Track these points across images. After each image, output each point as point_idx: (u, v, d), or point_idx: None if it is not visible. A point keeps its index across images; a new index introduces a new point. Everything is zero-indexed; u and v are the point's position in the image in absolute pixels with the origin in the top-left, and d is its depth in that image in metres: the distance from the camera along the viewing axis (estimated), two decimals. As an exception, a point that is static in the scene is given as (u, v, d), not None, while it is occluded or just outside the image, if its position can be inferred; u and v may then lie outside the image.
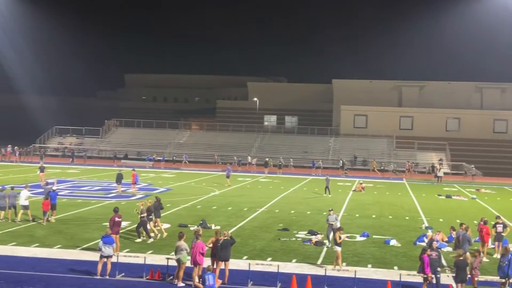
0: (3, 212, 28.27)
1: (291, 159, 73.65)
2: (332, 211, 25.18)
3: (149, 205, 25.85)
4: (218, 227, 27.20)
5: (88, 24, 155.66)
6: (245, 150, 79.40)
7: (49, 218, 28.29)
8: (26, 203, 28.42)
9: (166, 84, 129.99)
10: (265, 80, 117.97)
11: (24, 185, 31.19)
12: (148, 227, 24.94)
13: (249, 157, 71.92)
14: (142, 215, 24.61)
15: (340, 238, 20.65)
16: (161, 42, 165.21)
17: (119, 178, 41.08)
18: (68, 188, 42.32)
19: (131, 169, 46.06)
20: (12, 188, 29.95)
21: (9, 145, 71.91)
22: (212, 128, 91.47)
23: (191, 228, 26.79)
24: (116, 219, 22.04)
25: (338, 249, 20.64)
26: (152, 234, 24.91)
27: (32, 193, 32.63)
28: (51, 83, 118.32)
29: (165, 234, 25.48)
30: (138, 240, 24.46)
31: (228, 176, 49.34)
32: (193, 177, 56.22)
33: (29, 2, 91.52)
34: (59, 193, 35.10)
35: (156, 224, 25.60)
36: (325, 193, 44.18)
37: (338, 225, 25.13)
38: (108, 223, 22.75)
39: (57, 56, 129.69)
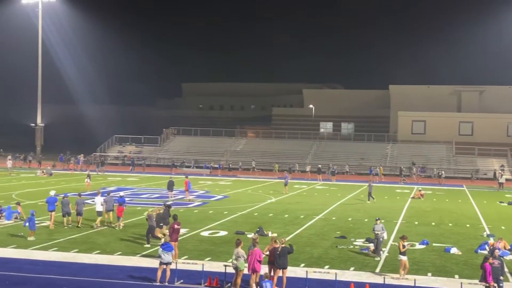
0: (65, 218, 29.04)
1: (347, 166, 72.98)
2: (379, 220, 24.61)
3: (159, 212, 26.28)
4: (275, 235, 27.12)
5: (147, 34, 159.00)
6: (301, 157, 79.17)
7: (120, 224, 29.18)
8: (101, 208, 29.30)
9: (222, 92, 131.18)
10: (321, 87, 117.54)
11: (96, 192, 32.02)
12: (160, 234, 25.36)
13: (297, 165, 71.68)
14: (150, 221, 25.29)
15: (404, 247, 20.25)
16: (217, 52, 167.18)
17: (170, 186, 41.69)
18: (128, 196, 43.02)
19: (184, 176, 46.54)
20: (80, 195, 30.78)
21: (82, 154, 73.87)
22: (268, 136, 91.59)
23: (248, 236, 26.83)
24: (175, 226, 22.27)
25: (403, 258, 20.21)
26: (162, 240, 25.24)
27: (91, 201, 33.37)
28: (111, 93, 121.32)
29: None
30: (147, 245, 24.71)
31: (286, 184, 49.25)
32: (249, 184, 56.38)
33: (89, 14, 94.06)
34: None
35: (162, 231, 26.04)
36: (369, 199, 43.70)
37: (385, 235, 24.71)
38: (167, 230, 23.00)
39: (116, 67, 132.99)
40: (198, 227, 29.82)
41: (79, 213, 29.15)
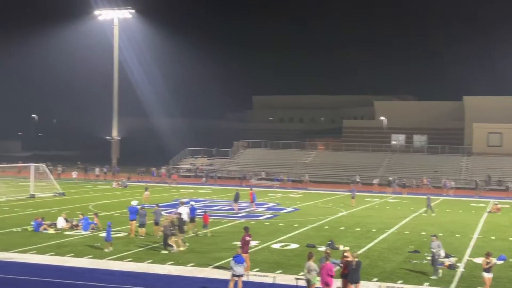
0: (143, 229, 29.74)
1: (414, 180, 71.16)
2: (435, 237, 23.65)
3: (172, 220, 27.02)
4: (347, 248, 26.85)
5: (218, 49, 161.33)
6: (372, 170, 78.08)
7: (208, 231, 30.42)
8: (186, 218, 30.20)
9: (292, 105, 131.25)
10: (392, 98, 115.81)
11: (178, 201, 32.78)
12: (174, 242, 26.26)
13: (357, 176, 70.66)
14: (165, 230, 26.17)
15: (487, 263, 19.54)
16: (287, 64, 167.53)
17: (236, 198, 42.03)
18: (200, 208, 43.60)
19: (249, 188, 46.71)
20: (157, 205, 31.51)
21: (163, 167, 75.41)
22: (338, 148, 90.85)
23: (319, 249, 26.68)
24: (246, 238, 22.36)
25: (486, 275, 19.53)
26: (174, 248, 26.03)
27: (166, 212, 34.00)
28: (183, 107, 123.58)
29: (181, 248, 26.33)
30: (164, 251, 25.68)
31: (353, 197, 48.64)
32: (320, 197, 56.03)
33: (162, 29, 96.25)
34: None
35: (181, 239, 26.89)
36: (427, 212, 42.67)
37: (442, 252, 23.88)
38: (239, 243, 23.16)
39: (188, 81, 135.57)
40: (269, 239, 29.86)
41: (156, 223, 29.91)
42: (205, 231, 30.85)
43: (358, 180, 70.24)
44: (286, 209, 44.92)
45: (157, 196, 50.76)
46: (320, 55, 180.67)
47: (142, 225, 29.78)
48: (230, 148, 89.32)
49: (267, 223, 36.37)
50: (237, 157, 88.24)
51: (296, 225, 35.54)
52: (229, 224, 35.59)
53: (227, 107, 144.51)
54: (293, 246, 28.15)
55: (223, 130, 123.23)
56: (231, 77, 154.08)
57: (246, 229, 23.07)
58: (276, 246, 28.25)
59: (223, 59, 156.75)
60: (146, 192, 46.63)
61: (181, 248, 26.38)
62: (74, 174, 68.42)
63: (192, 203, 33.11)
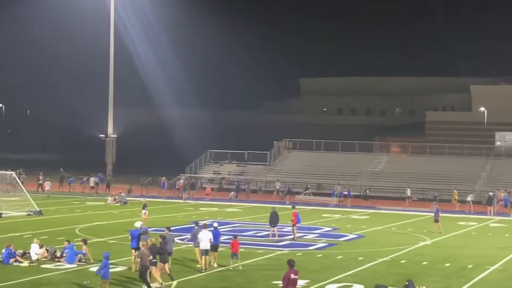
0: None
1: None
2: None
3: (153, 246, 27.48)
4: (432, 291, 26.72)
5: (250, 14, 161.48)
6: (468, 182, 77.36)
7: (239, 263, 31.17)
8: (208, 246, 30.81)
9: (355, 90, 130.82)
10: (495, 82, 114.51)
11: (196, 224, 33.21)
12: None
13: (455, 191, 70.16)
14: (143, 260, 26.38)
15: None
16: (346, 36, 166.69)
17: (273, 219, 41.60)
18: (227, 233, 43.76)
19: (291, 206, 46.72)
20: (168, 228, 31.70)
21: (182, 175, 76.04)
22: (419, 151, 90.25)
23: (393, 292, 26.66)
24: (292, 276, 22.29)
25: None
26: (156, 284, 26.42)
27: (179, 239, 34.22)
28: (201, 94, 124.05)
29: (174, 283, 26.79)
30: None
31: (436, 220, 48.08)
32: (394, 219, 55.72)
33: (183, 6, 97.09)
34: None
35: (163, 270, 27.40)
36: None
37: None
38: (281, 282, 23.16)
39: (209, 60, 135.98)
40: (322, 277, 29.82)
41: (169, 253, 30.14)
42: (235, 264, 31.16)
43: (435, 195, 69.74)
44: (346, 235, 44.78)
45: (168, 217, 51.09)
46: (392, 22, 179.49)
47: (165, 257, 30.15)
48: (269, 151, 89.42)
49: (319, 255, 36.29)
50: (278, 162, 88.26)
51: (361, 258, 35.43)
52: (267, 256, 35.61)
53: (264, 94, 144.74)
54: (356, 287, 28.04)
55: (259, 126, 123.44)
56: (270, 53, 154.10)
57: (290, 263, 23.04)
58: (333, 287, 28.19)
59: (258, 29, 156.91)
60: (144, 211, 46.08)
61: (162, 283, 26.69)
62: (47, 185, 69.09)
63: (215, 224, 33.27)
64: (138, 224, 31.42)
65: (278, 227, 42.40)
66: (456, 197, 68.29)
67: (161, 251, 27.79)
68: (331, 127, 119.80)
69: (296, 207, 45.09)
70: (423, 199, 72.04)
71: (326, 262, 34.26)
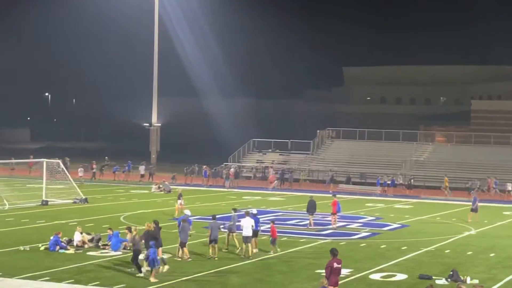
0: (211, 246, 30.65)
1: None
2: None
3: (148, 230, 28.38)
4: (476, 281, 26.48)
5: (294, 7, 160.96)
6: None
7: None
8: (250, 233, 31.29)
9: (399, 79, 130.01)
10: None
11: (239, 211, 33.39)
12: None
13: (446, 178, 69.46)
14: (134, 245, 27.18)
15: None
16: (390, 24, 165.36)
17: (311, 207, 41.79)
18: (268, 222, 43.77)
19: (331, 194, 46.55)
20: (214, 217, 31.95)
21: (233, 164, 76.55)
22: (465, 140, 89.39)
23: (437, 281, 26.51)
24: (335, 265, 22.26)
25: None
26: (146, 268, 27.02)
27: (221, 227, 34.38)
28: (244, 83, 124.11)
29: (166, 267, 27.17)
30: (140, 274, 26.71)
31: (474, 209, 47.42)
32: (438, 209, 55.33)
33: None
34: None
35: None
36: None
37: None
38: (323, 271, 23.13)
39: (251, 48, 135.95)
40: (366, 267, 29.86)
41: (215, 241, 30.75)
42: (274, 252, 31.85)
43: (478, 185, 69.05)
44: (390, 225, 44.64)
45: (212, 206, 51.36)
46: (438, 10, 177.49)
47: (214, 241, 30.76)
48: (312, 140, 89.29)
49: (363, 245, 36.31)
50: (321, 151, 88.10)
51: (404, 247, 35.32)
52: (310, 244, 35.68)
53: (307, 83, 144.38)
54: (400, 277, 28.00)
55: (302, 115, 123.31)
56: (312, 40, 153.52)
57: (333, 252, 22.99)
58: (376, 276, 28.19)
59: (302, 17, 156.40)
60: (180, 201, 45.76)
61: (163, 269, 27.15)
62: (80, 172, 69.57)
63: (254, 211, 33.30)
64: (187, 212, 31.75)
65: (322, 215, 42.42)
66: (447, 184, 68.49)
67: (157, 237, 28.33)
68: (375, 116, 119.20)
69: (336, 195, 45.02)
70: (467, 189, 71.42)
71: (370, 251, 34.23)
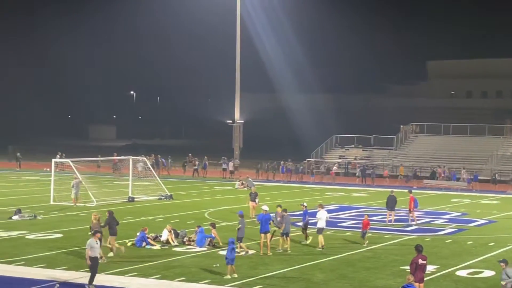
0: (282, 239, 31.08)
1: None
2: (504, 264, 22.89)
3: (94, 221, 29.29)
4: None
5: (376, 2, 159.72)
6: None
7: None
8: (324, 225, 32.34)
9: (485, 73, 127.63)
10: None
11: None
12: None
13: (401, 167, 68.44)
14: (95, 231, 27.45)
15: None
16: (475, 17, 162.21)
17: (391, 203, 41.58)
18: (352, 218, 43.75)
19: (407, 190, 46.01)
20: (285, 210, 32.18)
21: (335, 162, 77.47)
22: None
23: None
24: (420, 261, 22.16)
25: None
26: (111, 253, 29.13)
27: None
28: (324, 78, 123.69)
29: (122, 248, 29.83)
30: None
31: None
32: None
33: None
34: (339, 224, 39.34)
35: (109, 242, 29.79)
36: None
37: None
38: (408, 267, 22.98)
39: (332, 42, 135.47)
40: (452, 263, 29.59)
41: (286, 234, 31.31)
42: (364, 245, 32.87)
43: None
44: (476, 220, 44.14)
45: (295, 201, 51.39)
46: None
47: (285, 234, 31.46)
48: (395, 135, 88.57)
49: (448, 241, 35.95)
50: (405, 147, 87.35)
51: (491, 244, 34.84)
52: (395, 241, 35.51)
53: (390, 78, 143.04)
54: (487, 273, 27.64)
55: (385, 110, 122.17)
56: (394, 33, 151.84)
57: (418, 248, 22.84)
58: (462, 273, 27.92)
59: (383, 10, 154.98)
60: (251, 202, 43.36)
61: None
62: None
63: (266, 208, 33.10)
64: (265, 208, 31.85)
65: (406, 211, 42.19)
66: (402, 173, 71.90)
67: (111, 224, 30.03)
68: (459, 110, 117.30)
69: (413, 191, 44.61)
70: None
71: (456, 247, 33.86)
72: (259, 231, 31.04)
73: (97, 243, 24.81)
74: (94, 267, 24.34)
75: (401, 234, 37.66)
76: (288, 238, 31.63)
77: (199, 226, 33.22)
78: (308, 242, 33.11)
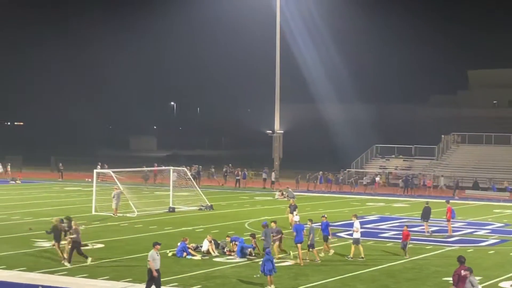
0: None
1: None
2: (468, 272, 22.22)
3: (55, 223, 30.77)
4: None
5: (415, 10, 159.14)
6: None
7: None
8: (359, 235, 32.18)
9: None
10: None
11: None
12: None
13: None
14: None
15: None
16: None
17: (426, 214, 41.31)
18: (392, 229, 43.51)
19: (445, 201, 45.58)
20: (311, 220, 32.12)
21: (348, 170, 77.09)
22: None
23: None
24: (463, 272, 22.01)
25: None
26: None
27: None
28: (363, 89, 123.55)
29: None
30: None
31: None
32: None
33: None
34: (380, 234, 39.26)
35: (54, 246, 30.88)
36: None
37: None
38: (451, 278, 22.81)
39: (371, 53, 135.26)
40: (495, 274, 29.34)
41: (311, 245, 31.40)
42: (406, 257, 32.53)
43: None
44: (520, 232, 43.66)
45: (335, 212, 51.30)
46: None
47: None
48: (437, 145, 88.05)
49: (491, 252, 35.64)
50: (446, 157, 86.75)
51: (537, 256, 34.40)
52: (437, 252, 35.25)
53: (430, 88, 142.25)
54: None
55: (426, 120, 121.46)
56: (436, 43, 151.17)
57: (461, 259, 22.67)
58: (506, 284, 27.72)
59: (423, 20, 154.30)
60: (293, 216, 39.63)
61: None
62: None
63: (297, 218, 33.37)
64: (297, 218, 32.19)
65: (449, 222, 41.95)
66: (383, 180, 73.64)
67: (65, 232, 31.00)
68: (502, 120, 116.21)
69: (450, 202, 44.22)
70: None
71: (499, 258, 33.55)
72: (294, 242, 31.23)
73: (157, 255, 24.81)
74: (156, 278, 24.41)
75: (443, 245, 37.36)
76: (315, 250, 31.58)
77: (228, 237, 33.60)
78: (330, 254, 32.97)
